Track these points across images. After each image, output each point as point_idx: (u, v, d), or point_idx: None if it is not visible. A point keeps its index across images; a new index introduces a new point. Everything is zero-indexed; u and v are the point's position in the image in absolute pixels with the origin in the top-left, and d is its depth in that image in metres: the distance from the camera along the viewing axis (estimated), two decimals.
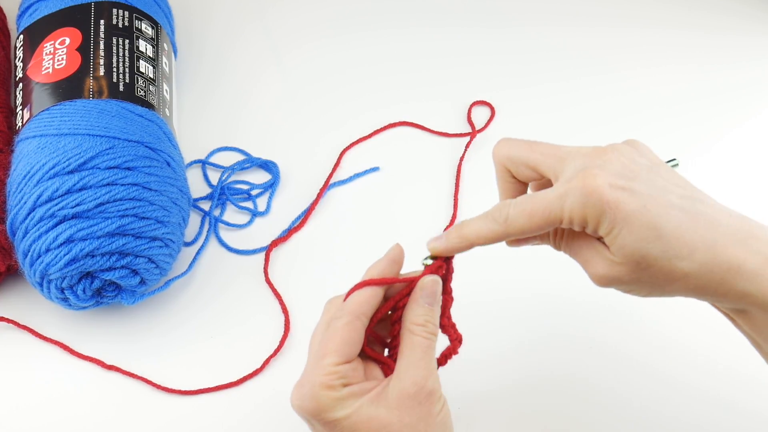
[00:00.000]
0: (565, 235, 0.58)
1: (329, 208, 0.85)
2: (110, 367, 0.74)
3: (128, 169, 0.73)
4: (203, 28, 0.99)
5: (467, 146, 0.89)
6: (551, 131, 0.91)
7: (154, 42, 0.83)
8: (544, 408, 0.73)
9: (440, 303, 0.58)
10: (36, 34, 0.81)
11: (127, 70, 0.79)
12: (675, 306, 0.73)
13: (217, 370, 0.74)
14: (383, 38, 0.99)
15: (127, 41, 0.80)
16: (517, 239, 0.59)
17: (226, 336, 0.77)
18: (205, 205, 0.85)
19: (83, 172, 0.71)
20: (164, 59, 0.84)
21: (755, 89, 0.96)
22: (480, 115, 0.92)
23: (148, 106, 0.78)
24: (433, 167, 0.88)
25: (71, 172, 0.72)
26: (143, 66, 0.80)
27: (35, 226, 0.71)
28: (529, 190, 0.62)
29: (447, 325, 0.60)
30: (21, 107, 0.79)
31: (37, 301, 0.76)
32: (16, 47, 0.84)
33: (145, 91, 0.79)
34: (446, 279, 0.59)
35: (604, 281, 0.56)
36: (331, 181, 0.86)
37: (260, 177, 0.87)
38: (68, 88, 0.76)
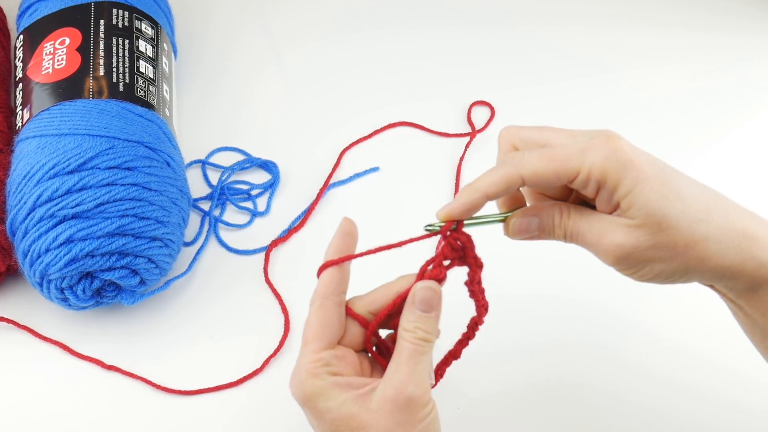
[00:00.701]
0: (571, 215, 0.57)
1: (329, 208, 0.85)
2: (110, 367, 0.74)
3: (128, 169, 0.73)
4: (203, 28, 0.99)
5: (467, 146, 0.89)
6: None
7: (154, 42, 0.83)
8: (544, 409, 0.73)
9: (439, 310, 0.57)
10: (36, 34, 0.81)
11: (127, 70, 0.79)
12: (674, 308, 0.73)
13: (217, 370, 0.74)
14: (383, 38, 0.99)
15: (127, 41, 0.80)
16: (519, 228, 0.58)
17: (226, 336, 0.77)
18: (205, 205, 0.85)
19: (83, 172, 0.71)
20: (164, 59, 0.84)
21: (755, 89, 0.96)
22: (480, 115, 0.92)
23: (148, 106, 0.78)
24: (433, 167, 0.88)
25: (71, 172, 0.72)
26: (143, 66, 0.80)
27: (35, 226, 0.71)
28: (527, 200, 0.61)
29: (476, 290, 0.59)
30: (21, 107, 0.79)
31: (37, 301, 0.76)
32: (16, 47, 0.84)
33: (145, 91, 0.79)
34: (466, 249, 0.58)
35: (621, 252, 0.54)
36: (331, 181, 0.86)
37: (260, 177, 0.87)
38: (68, 88, 0.76)
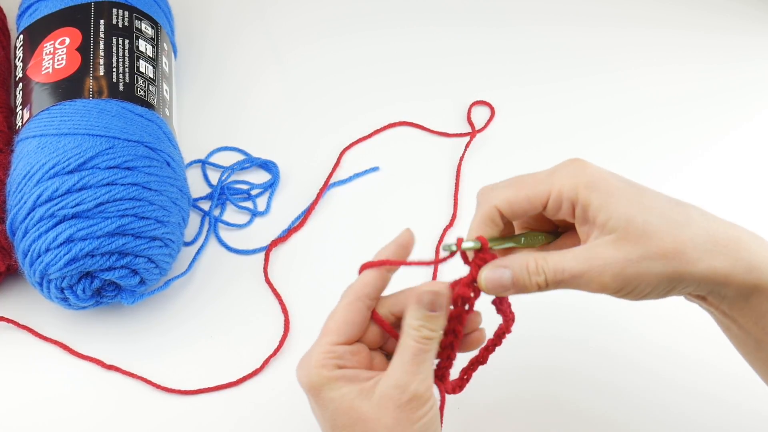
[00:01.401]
0: (549, 256, 0.56)
1: (329, 208, 0.85)
2: (110, 367, 0.74)
3: (128, 169, 0.73)
4: (203, 28, 0.99)
5: (467, 146, 0.89)
6: (551, 131, 0.91)
7: (154, 42, 0.83)
8: (544, 408, 0.73)
9: (445, 310, 0.57)
10: (36, 34, 0.81)
11: (127, 70, 0.79)
12: (672, 313, 0.73)
13: (217, 370, 0.74)
14: (383, 38, 0.99)
15: (127, 41, 0.80)
16: (491, 281, 0.57)
17: (226, 336, 0.77)
18: (205, 205, 0.85)
19: (83, 172, 0.71)
20: (164, 59, 0.84)
21: (755, 89, 0.96)
22: (480, 115, 0.92)
23: (148, 106, 0.78)
24: (433, 167, 0.88)
25: (71, 172, 0.72)
26: (143, 66, 0.80)
27: (35, 225, 0.71)
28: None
29: (504, 308, 0.60)
30: (21, 107, 0.79)
31: (37, 301, 0.76)
32: (16, 47, 0.84)
33: (145, 91, 0.79)
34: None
35: (613, 270, 0.53)
36: (331, 181, 0.86)
37: (260, 177, 0.87)
38: (68, 88, 0.76)
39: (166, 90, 0.82)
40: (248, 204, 0.85)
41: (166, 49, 0.86)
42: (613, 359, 0.75)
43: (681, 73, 0.97)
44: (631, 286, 0.54)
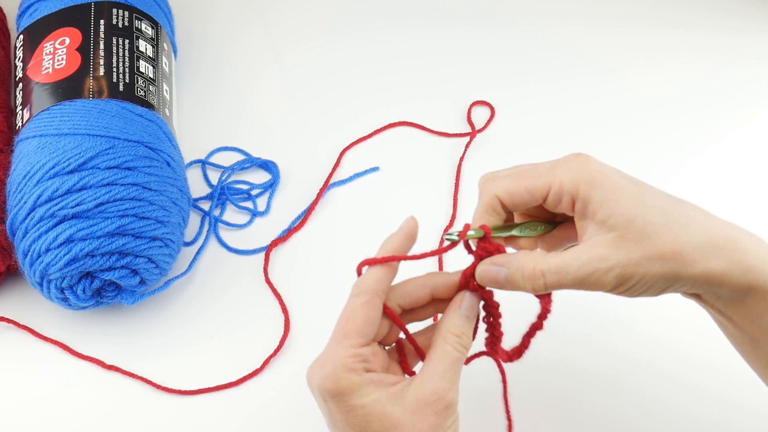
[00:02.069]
0: (548, 256, 0.56)
1: (329, 208, 0.85)
2: (110, 367, 0.74)
3: (128, 169, 0.73)
4: (203, 28, 0.99)
5: (467, 146, 0.89)
6: (551, 131, 0.91)
7: (154, 42, 0.83)
8: (544, 408, 0.73)
9: (476, 318, 0.58)
10: (36, 34, 0.81)
11: (127, 70, 0.79)
12: (674, 310, 0.73)
13: (217, 370, 0.74)
14: (383, 38, 0.99)
15: (127, 41, 0.80)
16: (486, 276, 0.58)
17: (226, 336, 0.77)
18: (205, 205, 0.85)
19: (83, 172, 0.71)
20: (164, 59, 0.84)
21: (755, 89, 0.96)
22: (480, 115, 0.92)
23: (148, 106, 0.78)
24: (433, 167, 0.88)
25: (71, 172, 0.72)
26: (143, 66, 0.80)
27: (35, 226, 0.71)
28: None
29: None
30: (21, 107, 0.79)
31: (37, 301, 0.76)
32: (16, 47, 0.84)
33: (145, 91, 0.79)
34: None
35: (611, 269, 0.53)
36: (331, 181, 0.86)
37: (260, 177, 0.87)
38: (68, 88, 0.76)
39: (166, 90, 0.82)
40: (248, 204, 0.85)
41: (166, 49, 0.86)
42: (616, 354, 0.75)
43: (681, 73, 0.97)
44: (628, 285, 0.55)
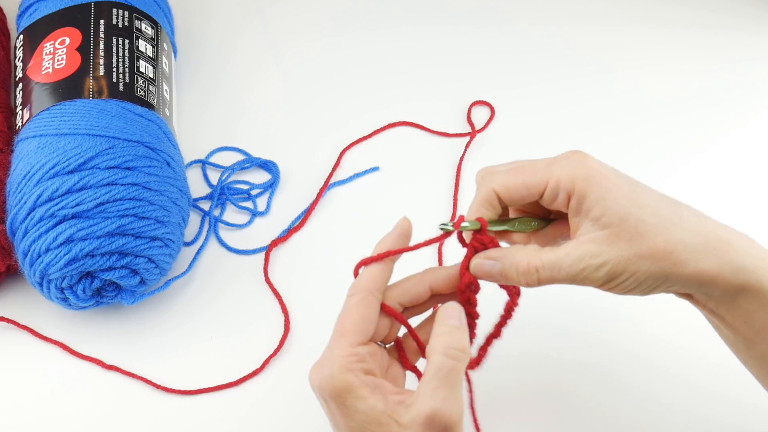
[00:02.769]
0: (543, 252, 0.56)
1: (329, 208, 0.85)
2: (110, 367, 0.74)
3: (128, 169, 0.73)
4: (203, 28, 0.99)
5: (467, 146, 0.89)
6: (551, 131, 0.91)
7: (154, 42, 0.83)
8: (544, 407, 0.73)
9: (466, 326, 0.57)
10: (36, 34, 0.81)
11: (127, 70, 0.79)
12: (673, 308, 0.73)
13: (217, 370, 0.74)
14: (383, 38, 0.99)
15: (127, 41, 0.80)
16: (480, 270, 0.58)
17: (226, 336, 0.77)
18: (205, 205, 0.85)
19: (83, 172, 0.71)
20: (164, 59, 0.84)
21: (755, 89, 0.96)
22: (480, 115, 0.92)
23: (148, 106, 0.78)
24: (433, 167, 0.88)
25: (71, 172, 0.72)
26: (143, 66, 0.80)
27: (35, 226, 0.71)
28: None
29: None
30: (21, 107, 0.79)
31: (37, 301, 0.76)
32: (16, 47, 0.84)
33: (145, 91, 0.79)
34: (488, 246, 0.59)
35: (606, 267, 0.54)
36: (331, 181, 0.86)
37: (260, 177, 0.87)
38: (68, 88, 0.76)
39: (166, 90, 0.82)
40: (248, 204, 0.85)
41: (166, 49, 0.86)
42: (617, 356, 0.75)
43: (681, 73, 0.97)
44: (618, 281, 0.55)
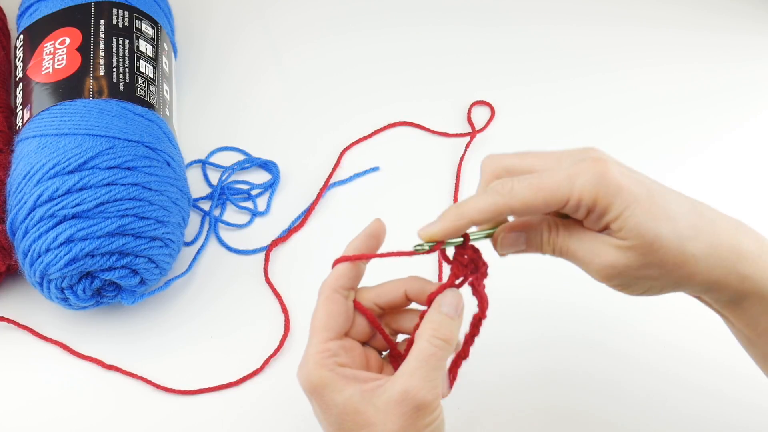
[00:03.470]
0: (560, 232, 0.56)
1: (329, 208, 0.85)
2: (110, 367, 0.74)
3: (128, 169, 0.73)
4: (203, 28, 0.99)
5: (467, 146, 0.89)
6: (551, 131, 0.91)
7: (154, 42, 0.83)
8: (544, 407, 0.73)
9: (461, 319, 0.57)
10: (36, 34, 0.81)
11: (127, 70, 0.79)
12: (673, 309, 0.73)
13: (217, 370, 0.74)
14: (383, 37, 0.99)
15: (127, 41, 0.80)
16: (507, 244, 0.58)
17: (226, 336, 0.77)
18: (205, 205, 0.85)
19: (83, 172, 0.71)
20: (164, 59, 0.84)
21: (755, 89, 0.96)
22: (480, 115, 0.92)
23: (148, 106, 0.78)
24: (433, 167, 0.88)
25: (71, 172, 0.72)
26: (143, 66, 0.80)
27: (35, 226, 0.71)
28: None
29: (481, 289, 0.59)
30: (21, 107, 0.79)
31: (37, 301, 0.76)
32: (16, 47, 0.84)
33: (145, 91, 0.79)
34: (478, 263, 0.58)
35: (613, 272, 0.54)
36: (331, 181, 0.86)
37: (260, 177, 0.87)
38: (68, 88, 0.76)
39: (166, 90, 0.82)
40: (248, 204, 0.85)
41: (166, 49, 0.86)
42: (617, 357, 0.75)
43: (681, 72, 0.97)
44: (626, 286, 0.56)
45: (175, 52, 0.89)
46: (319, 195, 0.85)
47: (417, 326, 0.57)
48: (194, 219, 0.84)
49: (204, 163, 0.87)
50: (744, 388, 0.73)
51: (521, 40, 0.99)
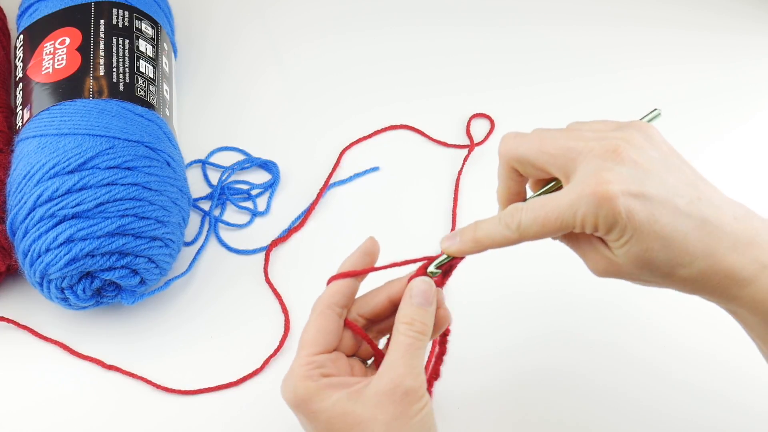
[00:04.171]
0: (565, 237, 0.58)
1: (329, 208, 0.85)
2: (110, 367, 0.74)
3: (128, 169, 0.73)
4: (203, 28, 0.99)
5: (465, 159, 0.88)
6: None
7: (154, 42, 0.83)
8: (543, 407, 0.73)
9: (435, 305, 0.58)
10: (36, 34, 0.81)
11: (127, 70, 0.79)
12: (677, 304, 0.73)
13: (217, 370, 0.74)
14: (383, 37, 0.99)
15: (127, 41, 0.80)
16: None
17: (226, 336, 0.77)
18: (205, 205, 0.85)
19: (83, 172, 0.71)
20: (164, 59, 0.84)
21: (755, 89, 0.96)
22: (480, 125, 0.92)
23: (148, 106, 0.78)
24: (432, 171, 0.88)
25: (71, 172, 0.72)
26: (143, 66, 0.80)
27: (35, 225, 0.71)
28: (528, 189, 0.62)
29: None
30: (21, 107, 0.79)
31: (37, 301, 0.76)
32: (16, 47, 0.84)
33: (145, 91, 0.79)
34: (452, 268, 0.60)
35: (603, 274, 0.57)
36: (331, 181, 0.86)
37: (260, 177, 0.87)
38: (68, 88, 0.76)
39: (166, 90, 0.82)
40: (248, 204, 0.85)
41: (166, 49, 0.86)
42: (617, 354, 0.75)
43: (681, 72, 0.97)
44: (622, 279, 0.57)
45: (175, 52, 0.89)
46: (319, 195, 0.85)
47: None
48: (194, 219, 0.84)
49: (204, 163, 0.87)
50: (745, 390, 0.73)
51: (521, 40, 0.99)
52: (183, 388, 0.73)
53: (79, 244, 0.70)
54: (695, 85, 0.95)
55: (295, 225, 0.83)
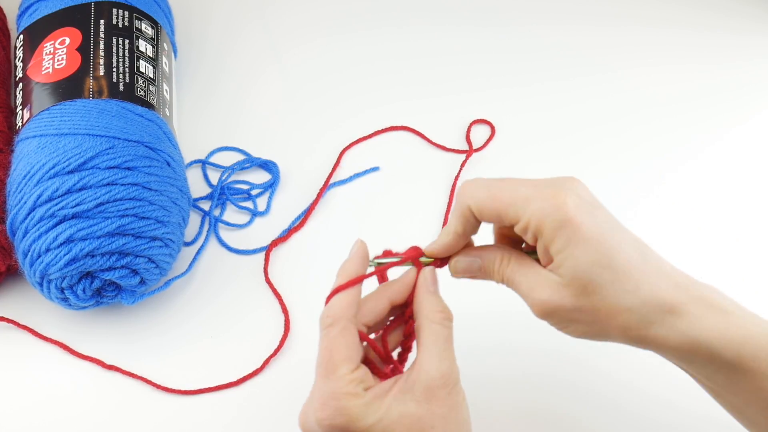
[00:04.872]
0: (510, 263, 0.58)
1: (329, 208, 0.85)
2: (110, 367, 0.74)
3: (128, 169, 0.73)
4: (203, 28, 0.99)
5: (462, 165, 0.87)
6: (551, 153, 0.89)
7: (154, 42, 0.83)
8: (543, 407, 0.73)
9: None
10: (36, 34, 0.81)
11: (127, 70, 0.79)
12: None
13: (217, 370, 0.74)
14: (384, 37, 0.99)
15: (127, 41, 0.80)
16: (460, 268, 0.60)
17: (226, 336, 0.77)
18: (205, 205, 0.85)
19: (83, 172, 0.71)
20: (164, 59, 0.84)
21: (755, 89, 0.96)
22: (480, 128, 0.91)
23: (148, 106, 0.78)
24: (431, 173, 0.88)
25: (71, 172, 0.72)
26: (143, 66, 0.80)
27: (35, 226, 0.71)
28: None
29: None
30: (21, 107, 0.79)
31: (37, 301, 0.77)
32: (16, 47, 0.84)
33: (145, 91, 0.79)
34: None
35: (545, 308, 0.56)
36: (331, 181, 0.86)
37: (260, 177, 0.87)
38: (68, 88, 0.76)
39: (166, 90, 0.82)
40: (248, 204, 0.85)
41: (166, 49, 0.86)
42: (617, 356, 0.75)
43: (680, 73, 0.97)
44: (561, 326, 0.57)
45: (175, 52, 0.89)
46: (319, 195, 0.85)
47: (408, 313, 0.59)
48: (194, 219, 0.84)
49: (204, 163, 0.87)
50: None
51: (522, 40, 0.99)
52: (183, 388, 0.73)
53: (79, 244, 0.70)
54: (695, 85, 0.95)
55: (295, 225, 0.83)
